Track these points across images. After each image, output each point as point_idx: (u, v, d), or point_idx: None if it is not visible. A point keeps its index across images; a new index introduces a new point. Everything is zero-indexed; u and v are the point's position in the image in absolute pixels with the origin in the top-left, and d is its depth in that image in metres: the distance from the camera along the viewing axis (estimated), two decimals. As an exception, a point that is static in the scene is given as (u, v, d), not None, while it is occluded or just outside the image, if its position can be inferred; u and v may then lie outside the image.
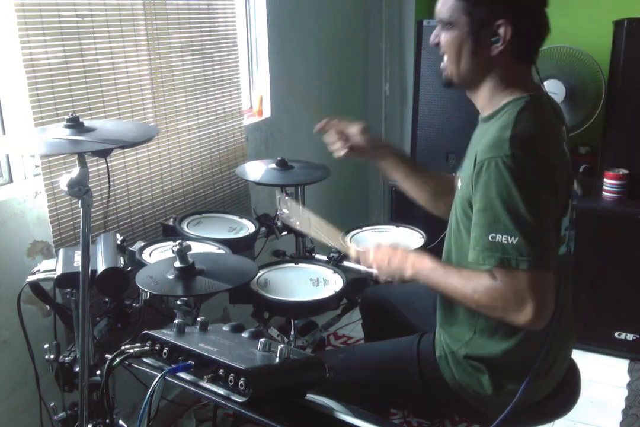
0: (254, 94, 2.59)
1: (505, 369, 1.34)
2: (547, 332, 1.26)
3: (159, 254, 1.65)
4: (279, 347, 0.94)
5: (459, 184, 1.34)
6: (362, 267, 1.65)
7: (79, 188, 1.22)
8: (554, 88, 2.66)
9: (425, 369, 1.43)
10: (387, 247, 1.42)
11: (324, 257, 1.93)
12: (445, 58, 1.31)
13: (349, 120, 1.61)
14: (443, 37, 1.29)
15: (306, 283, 1.66)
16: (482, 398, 1.37)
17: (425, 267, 1.33)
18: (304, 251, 2.07)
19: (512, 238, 1.15)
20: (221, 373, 0.92)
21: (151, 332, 1.04)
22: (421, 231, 1.96)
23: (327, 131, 1.63)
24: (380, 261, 1.41)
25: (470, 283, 1.24)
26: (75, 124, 1.27)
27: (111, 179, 1.73)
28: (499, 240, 1.16)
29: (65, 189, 1.23)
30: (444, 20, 1.27)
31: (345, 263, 1.86)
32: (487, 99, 1.32)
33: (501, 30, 1.21)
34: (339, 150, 1.62)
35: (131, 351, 1.00)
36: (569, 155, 1.34)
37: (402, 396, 1.50)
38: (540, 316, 1.17)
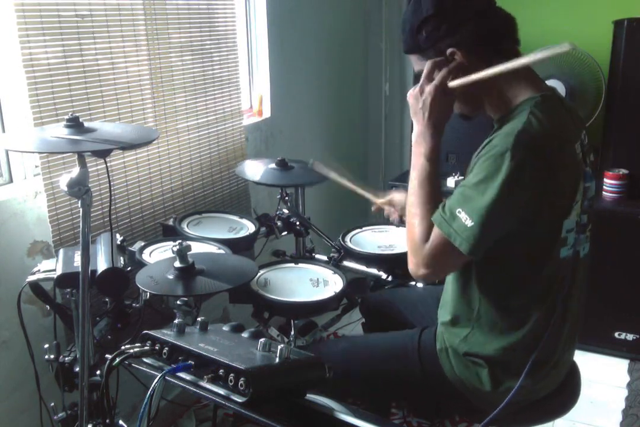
0: (254, 94, 2.59)
1: (504, 366, 1.34)
2: (550, 332, 1.26)
3: (159, 254, 1.65)
4: (279, 347, 0.94)
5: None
6: (362, 268, 1.66)
7: (79, 188, 1.22)
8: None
9: (425, 361, 1.43)
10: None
11: (324, 258, 1.93)
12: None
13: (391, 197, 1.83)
14: None
15: (306, 283, 1.66)
16: (481, 394, 1.37)
17: (418, 164, 1.32)
18: (304, 251, 2.07)
19: (469, 221, 1.18)
20: (221, 373, 0.92)
21: (151, 332, 1.04)
22: (421, 231, 1.96)
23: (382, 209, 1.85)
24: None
25: (421, 220, 1.28)
26: (75, 124, 1.27)
27: (111, 179, 1.73)
28: (461, 217, 1.19)
29: (65, 189, 1.23)
30: (418, 73, 1.34)
31: (346, 263, 1.86)
32: (496, 107, 1.33)
33: (457, 57, 1.26)
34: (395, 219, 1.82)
35: (131, 351, 1.00)
36: (590, 156, 1.34)
37: (401, 387, 1.50)
38: (430, 277, 1.31)
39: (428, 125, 1.29)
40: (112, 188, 1.76)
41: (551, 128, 1.21)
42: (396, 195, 1.80)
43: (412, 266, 1.29)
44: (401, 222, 1.81)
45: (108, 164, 1.33)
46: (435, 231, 1.25)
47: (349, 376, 1.43)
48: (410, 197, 1.33)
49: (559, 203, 1.23)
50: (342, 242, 1.92)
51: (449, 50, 1.26)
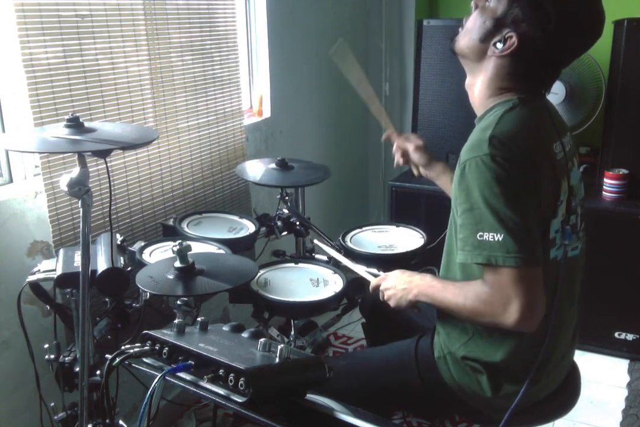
0: (254, 94, 2.59)
1: (504, 371, 1.34)
2: (547, 336, 1.26)
3: (159, 254, 1.65)
4: (279, 347, 0.94)
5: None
6: (362, 268, 1.66)
7: (79, 188, 1.22)
8: (554, 88, 2.63)
9: (424, 370, 1.43)
10: (394, 276, 1.45)
11: (324, 258, 1.93)
12: (462, 28, 1.32)
13: (408, 135, 1.76)
14: (475, 13, 1.29)
15: (306, 283, 1.66)
16: (481, 399, 1.37)
17: (426, 284, 1.35)
18: (304, 251, 2.07)
19: (498, 235, 1.15)
20: (221, 373, 0.92)
21: (151, 332, 1.04)
22: (421, 231, 1.97)
23: (392, 142, 1.76)
24: (389, 288, 1.44)
25: (463, 291, 1.26)
26: (75, 124, 1.27)
27: (111, 179, 1.73)
28: (486, 238, 1.16)
29: (66, 189, 1.23)
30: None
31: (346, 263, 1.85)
32: (479, 102, 1.34)
33: (509, 42, 1.22)
34: (397, 161, 1.75)
35: (131, 351, 1.00)
36: (574, 159, 1.34)
37: (402, 398, 1.50)
38: (529, 315, 1.16)
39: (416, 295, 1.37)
40: (112, 188, 1.77)
41: (521, 128, 1.22)
42: (415, 139, 1.71)
43: (506, 320, 1.17)
44: (404, 164, 1.74)
45: (108, 164, 1.33)
46: (478, 273, 1.22)
47: (350, 392, 1.43)
48: (444, 305, 1.32)
49: (544, 202, 1.23)
50: (342, 242, 1.92)
51: (509, 33, 1.22)
